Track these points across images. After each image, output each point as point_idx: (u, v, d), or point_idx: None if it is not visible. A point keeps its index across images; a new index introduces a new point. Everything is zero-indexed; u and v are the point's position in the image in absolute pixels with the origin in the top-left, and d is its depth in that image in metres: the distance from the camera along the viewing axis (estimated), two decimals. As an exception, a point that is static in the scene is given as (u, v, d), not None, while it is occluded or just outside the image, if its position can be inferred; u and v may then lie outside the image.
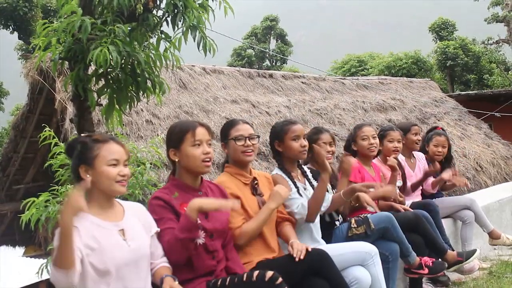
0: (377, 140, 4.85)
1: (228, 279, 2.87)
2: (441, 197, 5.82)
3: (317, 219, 3.88)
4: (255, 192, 3.46)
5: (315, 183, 3.92)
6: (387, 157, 4.99)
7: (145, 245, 2.72)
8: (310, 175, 3.99)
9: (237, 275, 2.92)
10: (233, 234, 3.22)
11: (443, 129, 6.06)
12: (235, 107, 9.80)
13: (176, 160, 3.05)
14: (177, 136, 3.05)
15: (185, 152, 3.02)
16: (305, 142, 3.85)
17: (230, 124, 3.53)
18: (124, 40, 3.70)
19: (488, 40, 27.30)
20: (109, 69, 3.89)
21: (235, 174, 3.44)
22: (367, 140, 4.76)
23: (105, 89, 4.02)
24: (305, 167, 4.05)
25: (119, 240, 2.60)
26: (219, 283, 2.87)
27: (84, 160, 2.64)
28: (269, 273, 2.76)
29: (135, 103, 4.14)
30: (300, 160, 3.99)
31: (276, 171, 3.85)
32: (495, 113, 15.37)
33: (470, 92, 20.12)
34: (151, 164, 4.95)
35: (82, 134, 2.91)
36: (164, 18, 3.96)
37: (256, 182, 3.50)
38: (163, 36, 4.04)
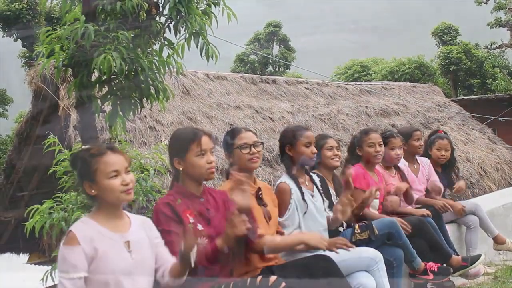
0: (383, 147, 4.80)
1: (231, 284, 2.86)
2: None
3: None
4: (260, 203, 3.46)
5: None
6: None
7: (149, 259, 2.69)
8: (318, 181, 3.99)
9: (240, 280, 2.91)
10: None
11: (445, 132, 6.02)
12: (239, 113, 9.80)
13: (181, 168, 3.05)
14: (181, 146, 3.03)
15: (190, 161, 3.00)
16: (315, 150, 3.86)
17: (233, 133, 3.52)
18: (128, 47, 3.71)
19: (491, 45, 27.24)
20: (112, 76, 3.90)
21: None
22: (373, 147, 4.70)
23: (109, 96, 4.03)
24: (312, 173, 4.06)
25: (122, 252, 2.58)
26: (222, 288, 2.87)
27: (86, 176, 2.61)
28: (273, 278, 2.76)
29: (139, 109, 4.15)
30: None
31: (284, 178, 3.83)
32: (499, 118, 15.32)
33: (474, 96, 20.11)
34: (154, 170, 4.95)
35: (83, 147, 2.86)
36: (166, 24, 3.97)
37: (260, 192, 3.50)
38: (166, 42, 4.06)
